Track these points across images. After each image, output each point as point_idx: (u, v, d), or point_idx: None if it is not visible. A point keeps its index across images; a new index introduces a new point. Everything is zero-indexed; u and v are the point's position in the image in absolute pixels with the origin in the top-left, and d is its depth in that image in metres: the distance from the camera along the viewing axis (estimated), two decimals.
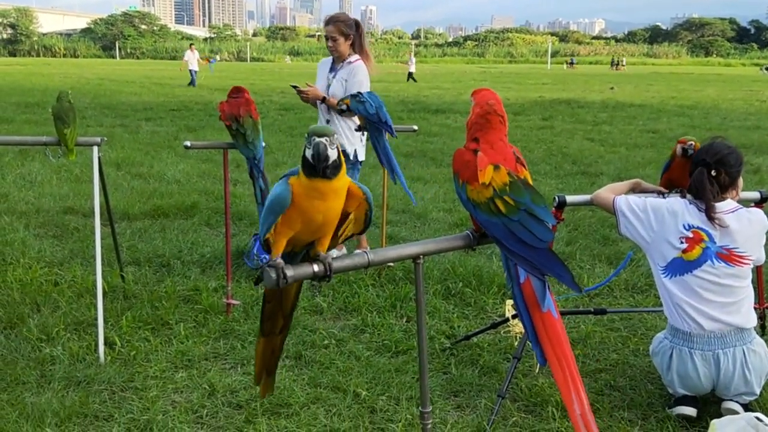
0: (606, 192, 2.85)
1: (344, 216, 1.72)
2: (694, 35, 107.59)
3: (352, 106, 3.87)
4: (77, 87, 21.49)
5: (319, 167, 1.56)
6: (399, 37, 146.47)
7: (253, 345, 3.28)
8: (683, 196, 2.74)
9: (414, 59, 33.47)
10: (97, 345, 3.17)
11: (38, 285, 4.01)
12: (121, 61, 72.32)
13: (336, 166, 1.59)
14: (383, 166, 4.02)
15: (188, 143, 3.70)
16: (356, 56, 4.38)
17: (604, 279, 3.84)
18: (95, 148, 3.35)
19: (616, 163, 8.66)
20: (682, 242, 2.63)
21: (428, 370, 2.06)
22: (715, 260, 2.60)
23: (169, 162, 8.27)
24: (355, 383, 2.92)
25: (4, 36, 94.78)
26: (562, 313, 3.12)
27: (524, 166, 1.84)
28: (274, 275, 1.58)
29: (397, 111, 14.54)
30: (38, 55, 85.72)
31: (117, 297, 3.85)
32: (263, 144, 3.73)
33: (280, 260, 1.61)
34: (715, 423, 2.35)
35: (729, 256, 2.61)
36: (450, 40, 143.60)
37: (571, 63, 63.03)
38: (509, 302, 3.34)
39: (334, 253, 1.77)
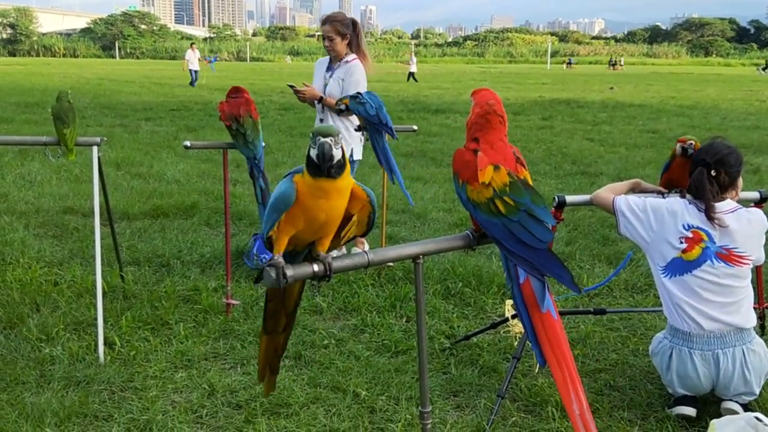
0: (605, 192, 2.85)
1: (347, 218, 1.72)
2: (694, 35, 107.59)
3: (352, 107, 3.87)
4: (77, 87, 21.48)
5: (324, 167, 1.57)
6: (399, 37, 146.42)
7: (253, 345, 3.29)
8: (683, 196, 2.74)
9: (415, 59, 33.44)
10: (96, 345, 3.17)
11: (38, 285, 4.01)
12: (120, 60, 72.31)
13: (340, 166, 1.60)
14: (382, 166, 4.02)
15: (188, 143, 3.70)
16: (353, 56, 4.39)
17: (604, 279, 3.84)
18: (95, 148, 3.35)
19: (615, 163, 8.66)
20: (681, 242, 2.63)
21: (428, 370, 2.07)
22: (714, 260, 2.61)
23: (168, 162, 8.27)
24: (355, 383, 2.92)
25: (4, 36, 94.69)
26: (562, 313, 3.13)
27: (524, 166, 1.85)
28: (274, 274, 1.58)
29: (396, 111, 14.54)
30: (38, 55, 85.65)
31: (117, 297, 3.85)
32: (263, 144, 3.73)
33: (280, 259, 1.62)
34: (714, 423, 2.35)
35: (728, 256, 2.61)
36: (450, 40, 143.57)
37: (569, 63, 62.94)
38: (509, 302, 3.34)
39: (334, 253, 1.77)
